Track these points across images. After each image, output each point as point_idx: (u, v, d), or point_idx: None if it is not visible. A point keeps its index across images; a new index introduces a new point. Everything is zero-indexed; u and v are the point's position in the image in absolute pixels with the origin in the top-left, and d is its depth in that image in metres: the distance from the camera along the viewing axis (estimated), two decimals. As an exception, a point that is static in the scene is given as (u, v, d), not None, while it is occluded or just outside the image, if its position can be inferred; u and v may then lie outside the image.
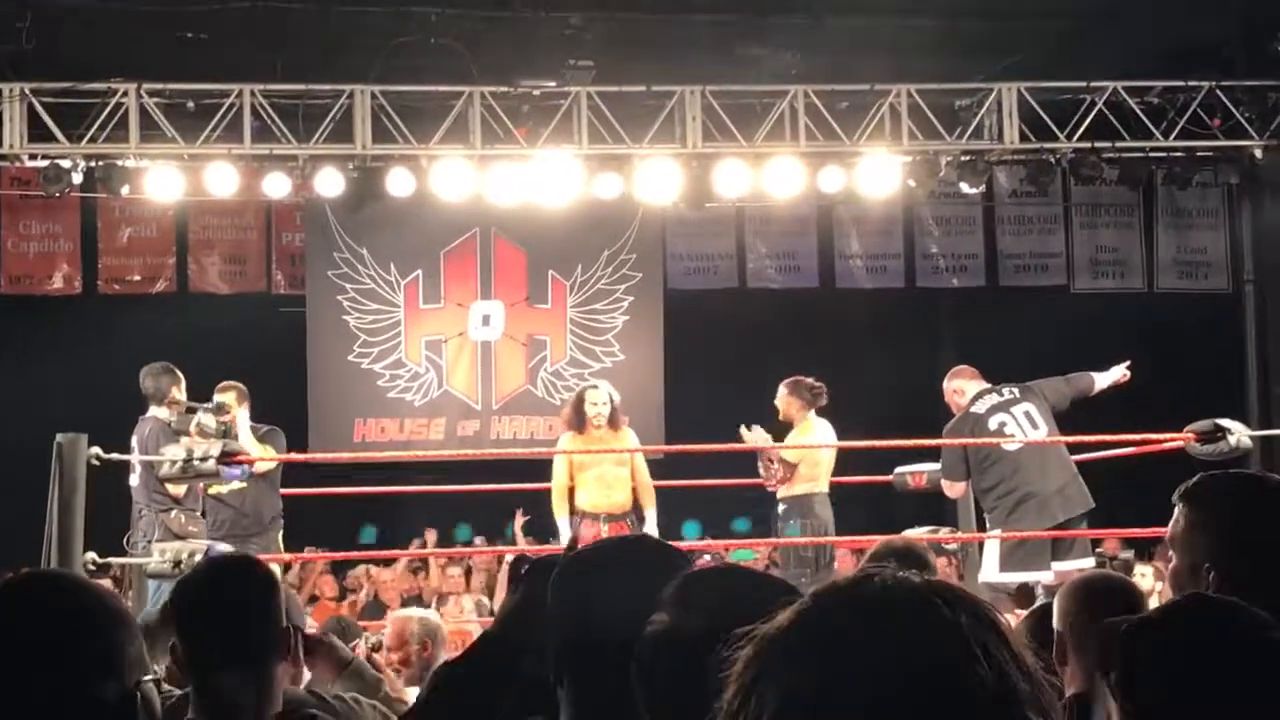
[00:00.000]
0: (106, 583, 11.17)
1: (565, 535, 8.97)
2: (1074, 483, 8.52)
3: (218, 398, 8.96)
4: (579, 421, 9.26)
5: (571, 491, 9.27)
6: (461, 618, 10.94)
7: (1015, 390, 8.70)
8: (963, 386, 8.82)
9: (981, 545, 8.76)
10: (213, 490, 9.06)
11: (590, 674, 2.07)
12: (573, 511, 9.25)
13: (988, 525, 8.67)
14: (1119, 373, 8.89)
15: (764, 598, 1.77)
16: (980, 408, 8.59)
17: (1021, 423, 8.50)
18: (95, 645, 1.70)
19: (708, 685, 1.65)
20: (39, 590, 1.78)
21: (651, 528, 9.17)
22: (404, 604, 11.59)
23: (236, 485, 9.08)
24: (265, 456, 8.74)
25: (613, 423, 9.28)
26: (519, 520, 11.47)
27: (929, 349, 14.54)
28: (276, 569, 8.76)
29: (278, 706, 2.82)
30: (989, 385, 8.77)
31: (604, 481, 9.23)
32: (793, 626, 1.09)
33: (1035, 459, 8.45)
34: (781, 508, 9.44)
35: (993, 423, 8.51)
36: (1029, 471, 8.41)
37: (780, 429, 9.46)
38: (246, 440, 8.93)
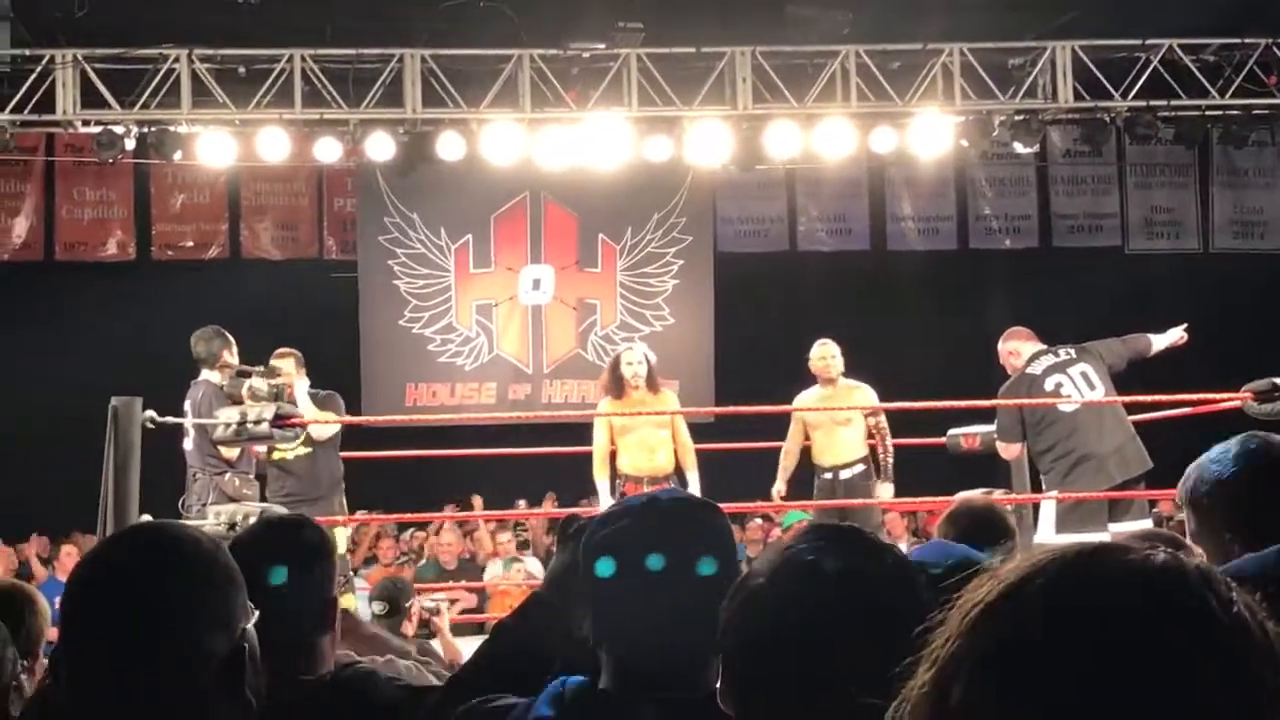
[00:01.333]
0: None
1: (605, 498, 8.98)
2: (1131, 443, 8.45)
3: (275, 364, 9.00)
4: (617, 385, 9.24)
5: (614, 455, 9.28)
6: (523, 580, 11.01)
7: (1071, 351, 8.63)
8: (1018, 348, 8.76)
9: (1036, 507, 8.71)
10: (276, 456, 9.10)
11: (626, 643, 2.07)
12: (615, 475, 9.27)
13: (1044, 486, 8.61)
14: (1176, 334, 8.81)
15: (881, 571, 1.75)
16: (1036, 368, 8.53)
17: (1079, 383, 8.44)
18: (207, 600, 1.73)
19: (810, 647, 1.64)
20: (152, 545, 1.79)
21: (695, 489, 9.18)
22: (460, 567, 11.67)
23: (301, 450, 9.11)
24: (319, 419, 8.76)
25: (651, 384, 9.26)
26: (548, 503, 11.62)
27: (982, 311, 14.45)
28: (342, 531, 8.90)
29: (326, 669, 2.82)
30: (1045, 346, 8.71)
31: (645, 445, 9.22)
32: (1035, 587, 1.04)
33: (1092, 420, 8.39)
34: (862, 469, 9.53)
35: (1049, 383, 8.45)
36: (1086, 433, 8.35)
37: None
38: (305, 406, 8.94)
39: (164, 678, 1.67)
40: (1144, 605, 1.01)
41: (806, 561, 1.72)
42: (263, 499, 8.86)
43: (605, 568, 2.08)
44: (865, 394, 9.65)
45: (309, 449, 9.12)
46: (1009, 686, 1.00)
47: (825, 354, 9.53)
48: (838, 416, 9.55)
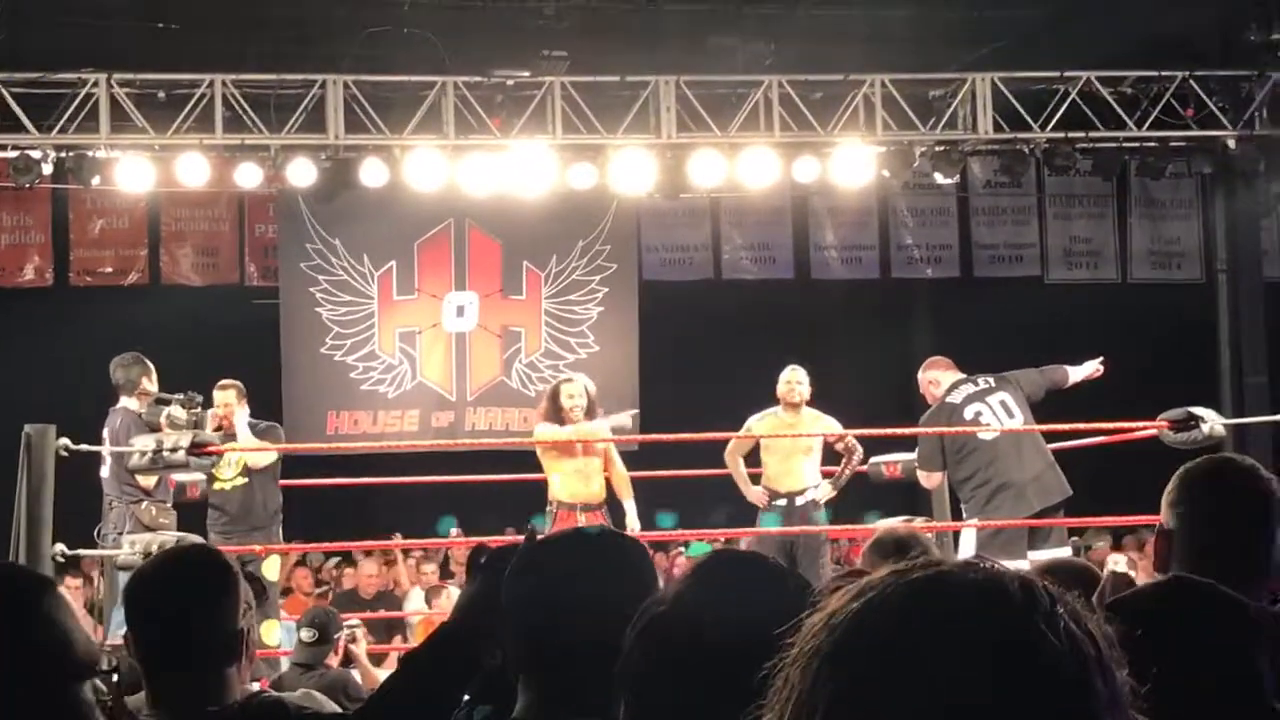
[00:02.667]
0: (77, 581, 11.14)
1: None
2: (1050, 471, 8.53)
3: (217, 394, 9.00)
4: (556, 414, 9.25)
5: (548, 483, 9.27)
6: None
7: (991, 380, 8.71)
8: (938, 377, 8.83)
9: (957, 535, 8.77)
10: (216, 486, 9.04)
11: (552, 668, 2.06)
12: (548, 502, 9.26)
13: (964, 514, 8.67)
14: (1092, 367, 8.91)
15: (778, 589, 1.76)
16: (956, 397, 8.60)
17: (997, 412, 8.51)
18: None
19: (708, 675, 1.64)
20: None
21: (632, 518, 9.22)
22: (378, 597, 11.58)
23: (239, 481, 9.06)
24: (227, 447, 8.66)
25: (589, 414, 9.30)
26: (454, 533, 11.61)
27: (904, 340, 14.55)
28: (273, 561, 8.88)
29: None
30: (964, 375, 8.78)
31: (580, 473, 9.25)
32: (863, 615, 1.05)
33: (1011, 448, 8.46)
34: (815, 497, 9.56)
35: (969, 412, 8.52)
36: (1005, 461, 8.42)
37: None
38: (244, 437, 8.95)
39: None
40: (975, 631, 1.02)
41: (704, 591, 1.73)
42: (203, 529, 8.80)
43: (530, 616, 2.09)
44: (829, 424, 9.66)
45: (245, 479, 9.07)
46: None
47: (793, 379, 9.54)
48: (800, 444, 9.55)
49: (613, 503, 9.37)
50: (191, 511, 9.17)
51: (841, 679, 1.02)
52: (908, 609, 1.04)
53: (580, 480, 9.22)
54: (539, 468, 9.39)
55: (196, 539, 7.71)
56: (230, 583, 2.85)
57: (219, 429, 8.79)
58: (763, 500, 9.57)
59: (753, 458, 9.71)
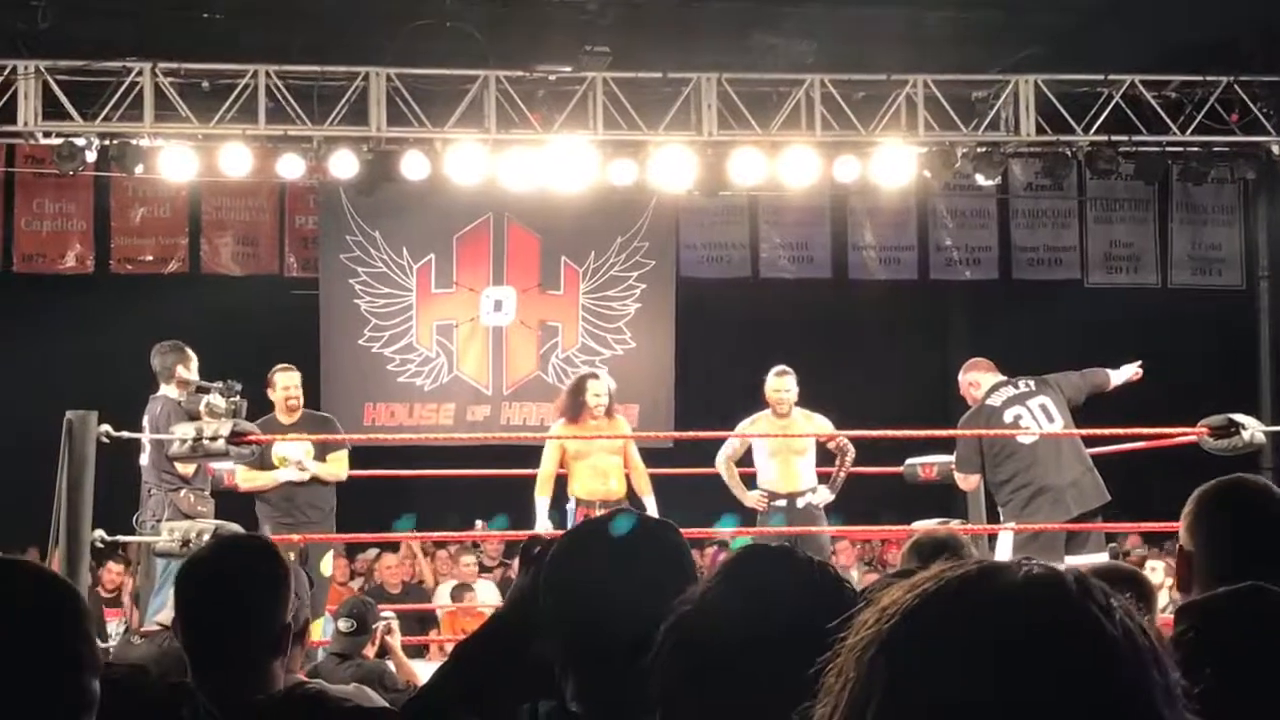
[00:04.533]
0: (119, 566, 11.20)
1: (542, 521, 8.97)
2: (1089, 476, 8.49)
3: (283, 376, 9.14)
4: (576, 409, 9.25)
5: (564, 480, 9.27)
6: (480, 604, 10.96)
7: (1031, 383, 8.67)
8: (978, 379, 8.80)
9: (993, 538, 8.74)
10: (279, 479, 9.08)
11: (592, 665, 2.06)
12: (565, 499, 9.26)
13: (1001, 518, 8.64)
14: (1132, 370, 8.87)
15: (811, 583, 1.76)
16: (996, 400, 8.57)
17: (1037, 416, 8.48)
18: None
19: (737, 672, 1.64)
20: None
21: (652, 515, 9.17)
22: (405, 591, 11.60)
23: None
24: (264, 438, 8.67)
25: (609, 413, 9.31)
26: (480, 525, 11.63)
27: (941, 342, 14.51)
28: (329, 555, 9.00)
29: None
30: (1004, 378, 8.74)
31: (598, 470, 9.24)
32: (920, 607, 1.06)
33: (1051, 452, 8.43)
34: (814, 501, 9.52)
35: (1008, 415, 8.49)
36: (1044, 465, 8.39)
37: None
38: (298, 449, 9.13)
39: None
40: (1032, 622, 1.03)
41: (736, 582, 1.73)
42: (242, 518, 8.86)
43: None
44: (820, 424, 9.65)
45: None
46: (914, 717, 1.02)
47: (781, 386, 9.49)
48: (794, 445, 9.55)
49: (633, 501, 9.34)
50: (229, 500, 9.21)
51: (898, 669, 1.03)
52: (965, 600, 1.05)
53: (598, 478, 9.21)
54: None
55: (236, 527, 7.74)
56: (282, 575, 2.87)
57: (294, 414, 9.06)
58: (762, 504, 9.55)
59: (745, 461, 9.71)
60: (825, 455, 9.75)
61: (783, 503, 9.55)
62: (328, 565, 9.27)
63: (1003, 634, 1.02)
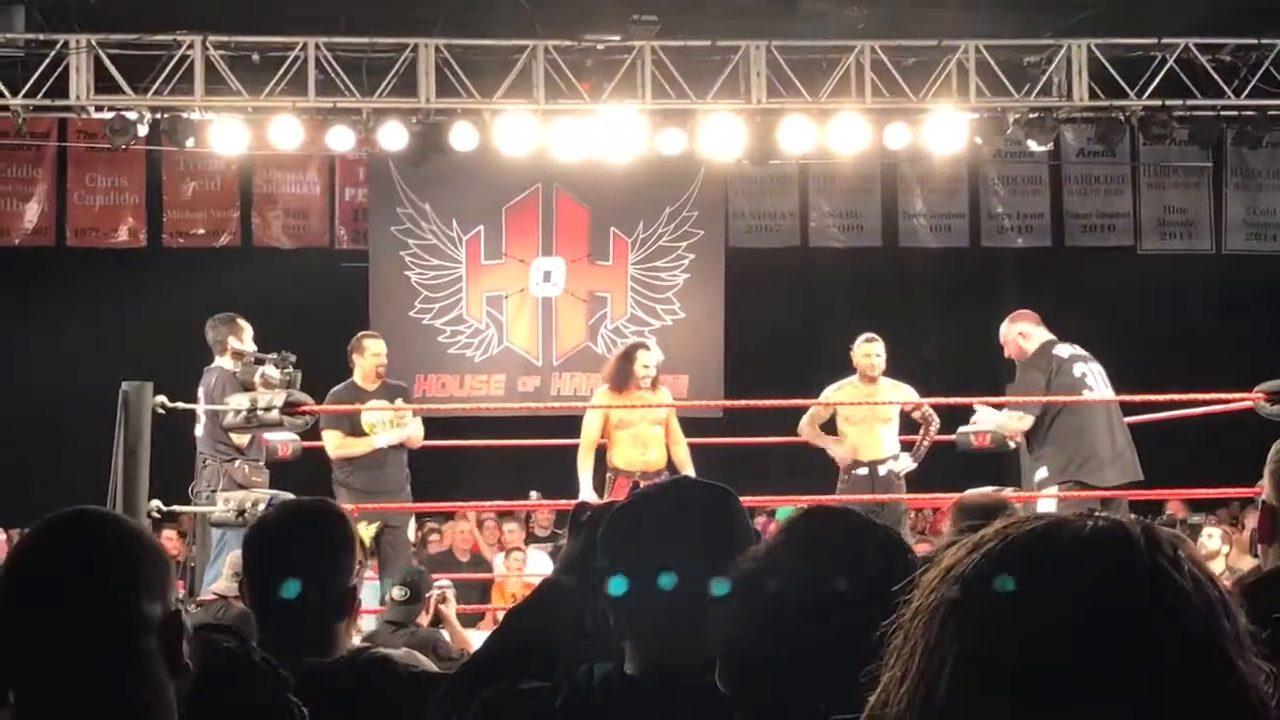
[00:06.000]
0: (170, 532, 11.30)
1: (586, 490, 8.97)
2: (1130, 451, 8.46)
3: (373, 343, 9.33)
4: (623, 378, 9.22)
5: (603, 450, 9.26)
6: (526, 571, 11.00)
7: (1080, 349, 8.64)
8: (1029, 330, 8.73)
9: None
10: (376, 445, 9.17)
11: (649, 628, 2.07)
12: (605, 469, 9.26)
13: (1034, 466, 8.59)
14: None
15: (874, 544, 1.76)
16: (1063, 352, 8.52)
17: (1100, 379, 8.46)
18: (137, 566, 1.81)
19: (799, 628, 1.64)
20: (87, 525, 1.87)
21: None
22: (472, 560, 11.66)
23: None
24: (320, 409, 8.70)
25: (654, 383, 9.32)
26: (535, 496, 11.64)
27: (993, 309, 14.39)
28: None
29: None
30: (1054, 336, 8.70)
31: (639, 440, 9.22)
32: (987, 564, 1.05)
33: (1104, 418, 8.39)
34: (896, 469, 9.51)
35: (1076, 369, 8.45)
36: (1097, 430, 8.36)
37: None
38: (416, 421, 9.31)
39: (109, 642, 1.75)
40: (1101, 576, 1.02)
41: (800, 540, 1.73)
42: (298, 487, 8.92)
43: (620, 585, 2.10)
44: (906, 393, 9.61)
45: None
46: (990, 681, 1.02)
47: (871, 351, 9.46)
48: (879, 413, 9.50)
49: (673, 472, 9.31)
50: (283, 471, 9.27)
51: (969, 631, 1.03)
52: (1033, 554, 1.04)
53: (638, 448, 9.18)
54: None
55: (289, 496, 7.79)
56: (348, 539, 2.88)
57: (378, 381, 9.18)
58: (849, 458, 9.51)
59: (829, 429, 9.68)
60: (907, 427, 9.72)
61: (864, 470, 9.52)
62: (411, 532, 9.38)
63: (1072, 590, 1.01)
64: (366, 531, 9.12)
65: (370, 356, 9.27)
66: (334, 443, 9.09)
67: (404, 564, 9.04)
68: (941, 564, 1.08)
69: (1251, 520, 9.81)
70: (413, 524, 9.46)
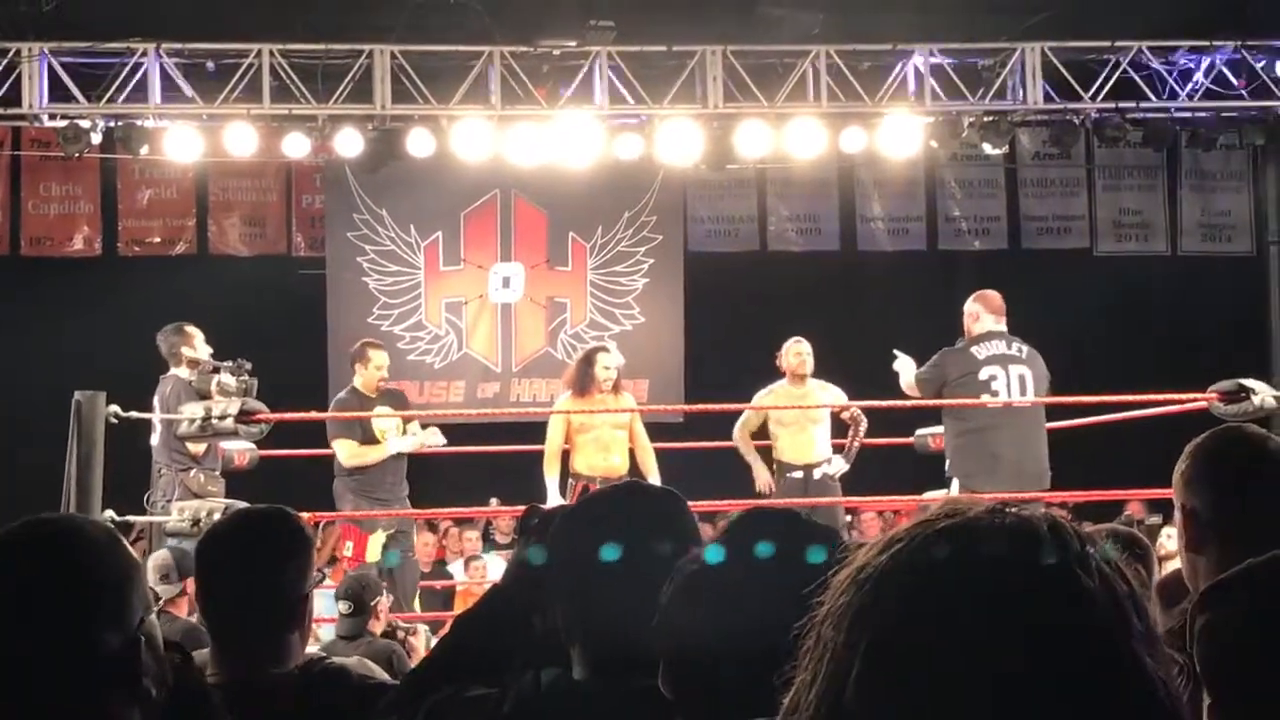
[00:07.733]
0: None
1: (553, 496, 8.95)
2: (1036, 463, 8.43)
3: (377, 354, 9.37)
4: (585, 382, 9.22)
5: (566, 455, 9.25)
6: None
7: (1024, 351, 8.64)
8: (979, 313, 8.75)
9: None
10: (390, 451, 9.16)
11: (597, 633, 2.07)
12: (567, 475, 9.25)
13: (947, 457, 8.64)
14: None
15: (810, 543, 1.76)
16: (981, 352, 8.55)
17: (1011, 384, 8.45)
18: (97, 595, 1.66)
19: (742, 632, 1.64)
20: (36, 539, 1.72)
21: None
22: (433, 570, 11.62)
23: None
24: (275, 417, 8.65)
25: (615, 387, 9.31)
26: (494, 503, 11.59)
27: (950, 312, 14.42)
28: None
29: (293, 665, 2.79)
30: (1003, 330, 8.70)
31: (601, 444, 9.21)
32: (893, 568, 1.05)
33: (1009, 429, 8.42)
34: (829, 472, 9.52)
35: (984, 373, 8.48)
36: (999, 432, 8.40)
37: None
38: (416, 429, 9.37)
39: (57, 675, 1.62)
40: (1007, 576, 1.02)
41: (738, 543, 1.73)
42: (252, 497, 8.85)
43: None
44: (835, 394, 9.66)
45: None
46: (896, 682, 1.02)
47: (799, 350, 9.54)
48: (811, 415, 9.55)
49: (636, 477, 9.31)
50: (239, 480, 9.22)
51: (876, 633, 1.02)
52: (937, 559, 1.04)
53: (600, 452, 9.18)
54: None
55: (243, 505, 7.74)
56: (301, 547, 2.84)
57: (377, 390, 9.23)
58: (768, 488, 9.54)
59: (761, 434, 9.73)
60: (839, 428, 9.76)
61: (799, 474, 9.54)
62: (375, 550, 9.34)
63: (977, 592, 1.01)
64: (377, 539, 9.10)
65: (374, 369, 9.32)
66: (347, 451, 9.09)
67: (412, 574, 9.02)
68: (851, 565, 1.08)
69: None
70: (378, 541, 9.38)
